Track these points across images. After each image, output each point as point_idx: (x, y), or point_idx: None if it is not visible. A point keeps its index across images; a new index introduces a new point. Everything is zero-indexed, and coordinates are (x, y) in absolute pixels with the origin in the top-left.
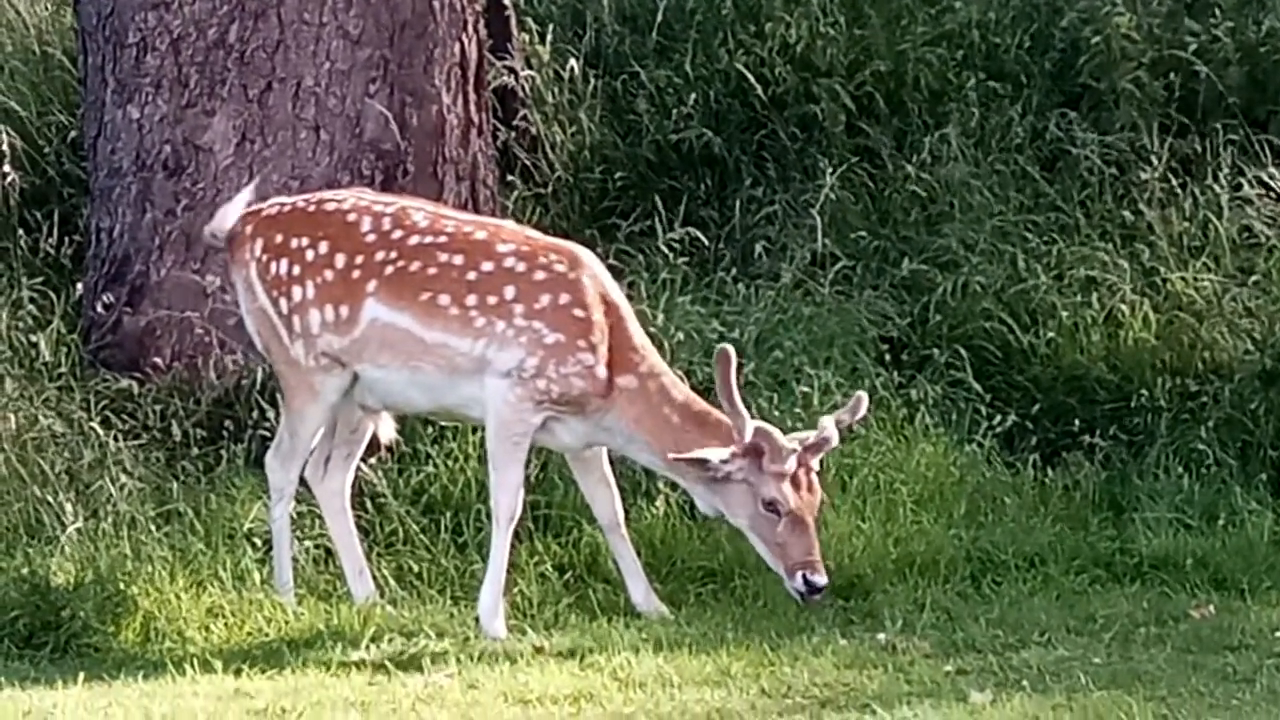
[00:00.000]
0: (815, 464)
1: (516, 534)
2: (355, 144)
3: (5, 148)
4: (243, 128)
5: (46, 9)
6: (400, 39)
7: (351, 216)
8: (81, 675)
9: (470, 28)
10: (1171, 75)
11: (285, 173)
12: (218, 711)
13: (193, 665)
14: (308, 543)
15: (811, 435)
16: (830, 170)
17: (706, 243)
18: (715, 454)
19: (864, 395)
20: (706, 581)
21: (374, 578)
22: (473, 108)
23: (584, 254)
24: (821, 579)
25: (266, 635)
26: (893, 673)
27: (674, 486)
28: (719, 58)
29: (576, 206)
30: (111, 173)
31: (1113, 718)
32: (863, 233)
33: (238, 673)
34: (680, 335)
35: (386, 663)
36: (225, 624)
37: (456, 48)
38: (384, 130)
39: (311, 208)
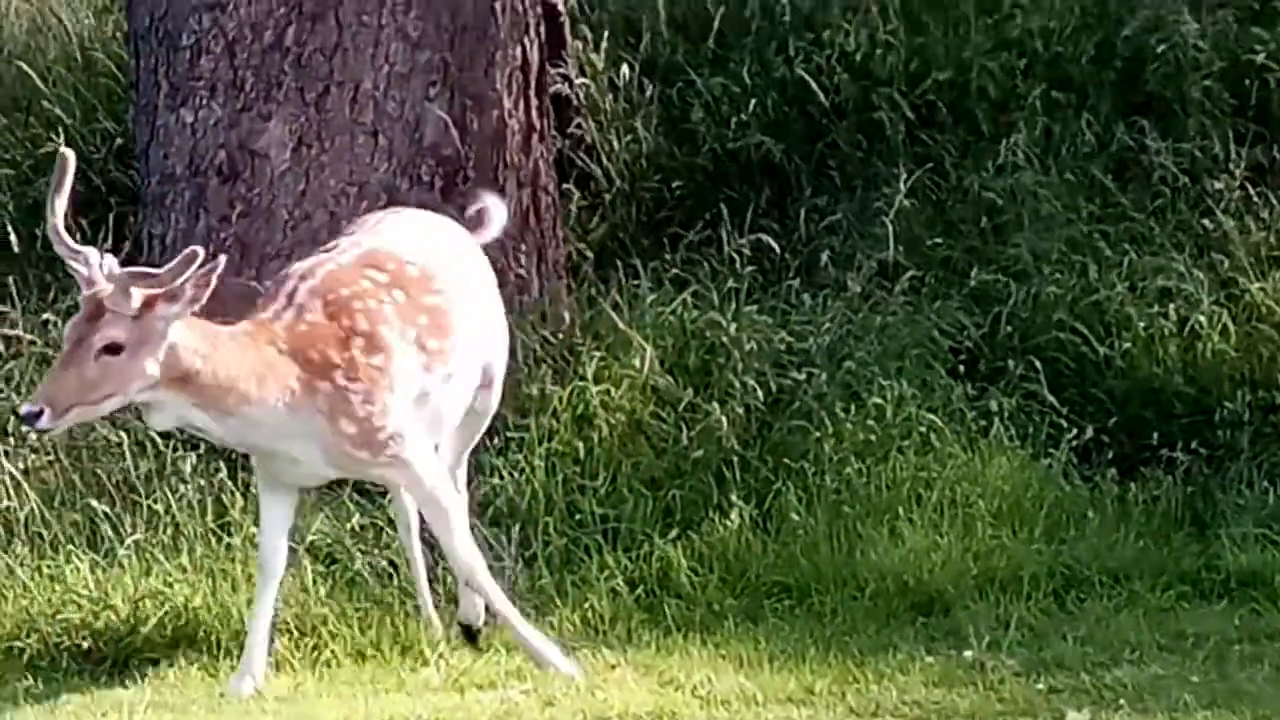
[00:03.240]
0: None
1: (586, 547)
2: (415, 149)
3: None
4: (299, 132)
5: (90, 16)
6: (461, 42)
7: None
8: (149, 693)
9: (531, 31)
10: (1245, 82)
11: (343, 178)
12: None
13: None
14: (372, 557)
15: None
16: (904, 178)
17: (777, 250)
18: None
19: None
20: (782, 596)
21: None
22: (534, 113)
23: None
24: (25, 408)
25: (331, 651)
26: (983, 691)
27: (747, 499)
28: (775, 66)
29: (633, 215)
30: (164, 179)
31: None
32: (932, 242)
33: (302, 688)
34: (751, 345)
35: (460, 679)
36: (290, 639)
37: (518, 51)
38: (444, 135)
39: None
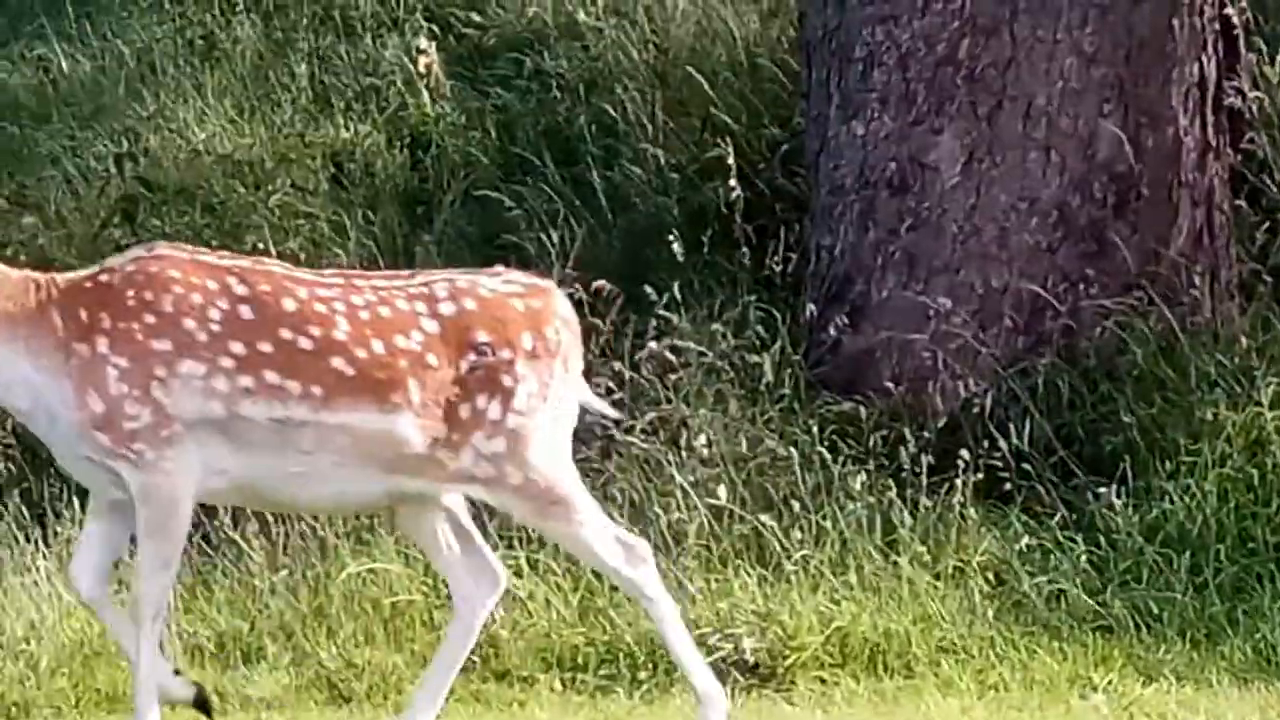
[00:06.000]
0: None
1: (1258, 575)
2: (1087, 166)
3: (731, 162)
4: (970, 146)
5: (756, 20)
6: (1137, 58)
7: None
8: (817, 713)
9: (1209, 47)
10: None
11: (1013, 194)
12: None
13: (924, 700)
14: (1038, 579)
15: None
16: None
17: None
18: None
19: None
20: None
21: None
22: (1210, 130)
23: None
24: None
25: (999, 675)
26: None
27: None
28: None
29: None
30: (833, 190)
31: None
32: None
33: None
34: None
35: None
36: (955, 660)
37: (1195, 67)
38: (1118, 152)
39: None
